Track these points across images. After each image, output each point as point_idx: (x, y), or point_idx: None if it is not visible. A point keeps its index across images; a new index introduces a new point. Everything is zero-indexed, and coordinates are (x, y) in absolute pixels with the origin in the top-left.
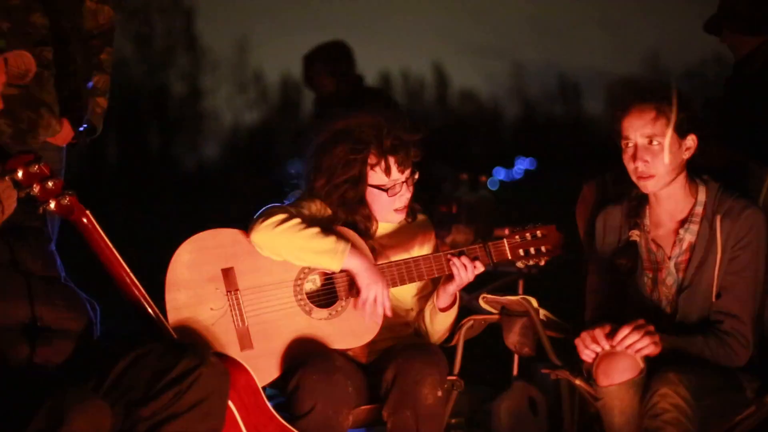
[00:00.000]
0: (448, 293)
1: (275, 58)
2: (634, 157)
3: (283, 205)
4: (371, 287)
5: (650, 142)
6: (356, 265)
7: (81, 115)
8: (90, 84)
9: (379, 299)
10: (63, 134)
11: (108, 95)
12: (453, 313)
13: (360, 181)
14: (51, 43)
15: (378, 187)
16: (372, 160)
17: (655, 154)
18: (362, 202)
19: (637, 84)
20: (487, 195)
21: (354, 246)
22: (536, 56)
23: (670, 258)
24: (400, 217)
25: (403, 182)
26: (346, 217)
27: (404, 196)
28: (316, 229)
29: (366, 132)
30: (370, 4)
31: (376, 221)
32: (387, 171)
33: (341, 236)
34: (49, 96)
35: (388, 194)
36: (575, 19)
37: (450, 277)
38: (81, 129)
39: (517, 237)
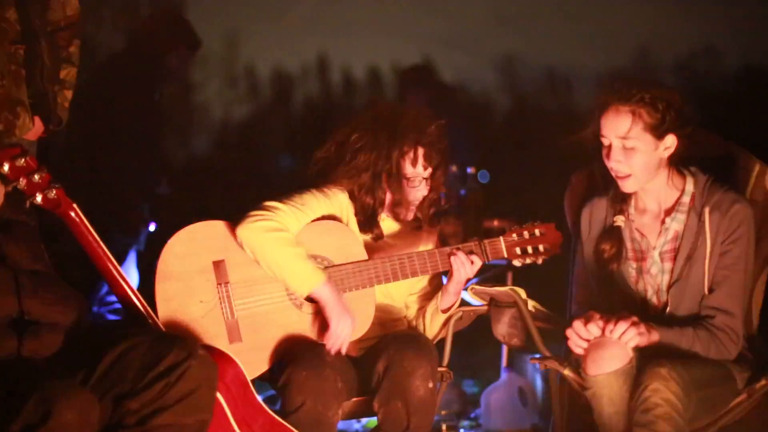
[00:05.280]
0: (450, 293)
1: (266, 52)
2: (609, 157)
3: (280, 205)
4: (341, 322)
5: (624, 144)
6: (326, 297)
7: (50, 109)
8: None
9: (343, 335)
10: (35, 129)
11: (74, 87)
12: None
13: (390, 165)
14: (23, 39)
15: (402, 175)
16: (406, 147)
17: (630, 155)
18: (384, 187)
19: (618, 82)
20: (476, 187)
21: (330, 278)
22: (503, 49)
23: (654, 247)
24: (406, 217)
25: (423, 179)
26: (364, 201)
27: (420, 191)
28: (301, 251)
29: (409, 123)
30: None
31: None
32: (414, 161)
33: (321, 266)
34: (23, 94)
35: (409, 185)
36: (539, 10)
37: (451, 276)
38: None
39: (514, 235)
